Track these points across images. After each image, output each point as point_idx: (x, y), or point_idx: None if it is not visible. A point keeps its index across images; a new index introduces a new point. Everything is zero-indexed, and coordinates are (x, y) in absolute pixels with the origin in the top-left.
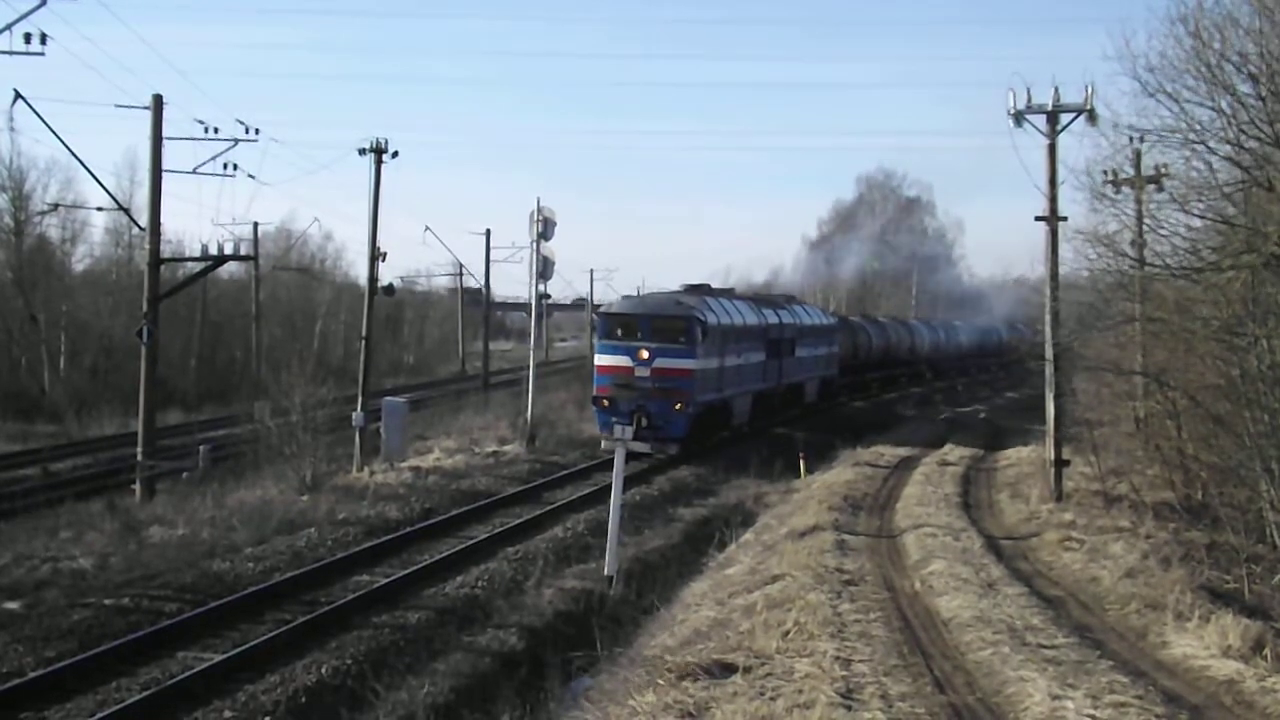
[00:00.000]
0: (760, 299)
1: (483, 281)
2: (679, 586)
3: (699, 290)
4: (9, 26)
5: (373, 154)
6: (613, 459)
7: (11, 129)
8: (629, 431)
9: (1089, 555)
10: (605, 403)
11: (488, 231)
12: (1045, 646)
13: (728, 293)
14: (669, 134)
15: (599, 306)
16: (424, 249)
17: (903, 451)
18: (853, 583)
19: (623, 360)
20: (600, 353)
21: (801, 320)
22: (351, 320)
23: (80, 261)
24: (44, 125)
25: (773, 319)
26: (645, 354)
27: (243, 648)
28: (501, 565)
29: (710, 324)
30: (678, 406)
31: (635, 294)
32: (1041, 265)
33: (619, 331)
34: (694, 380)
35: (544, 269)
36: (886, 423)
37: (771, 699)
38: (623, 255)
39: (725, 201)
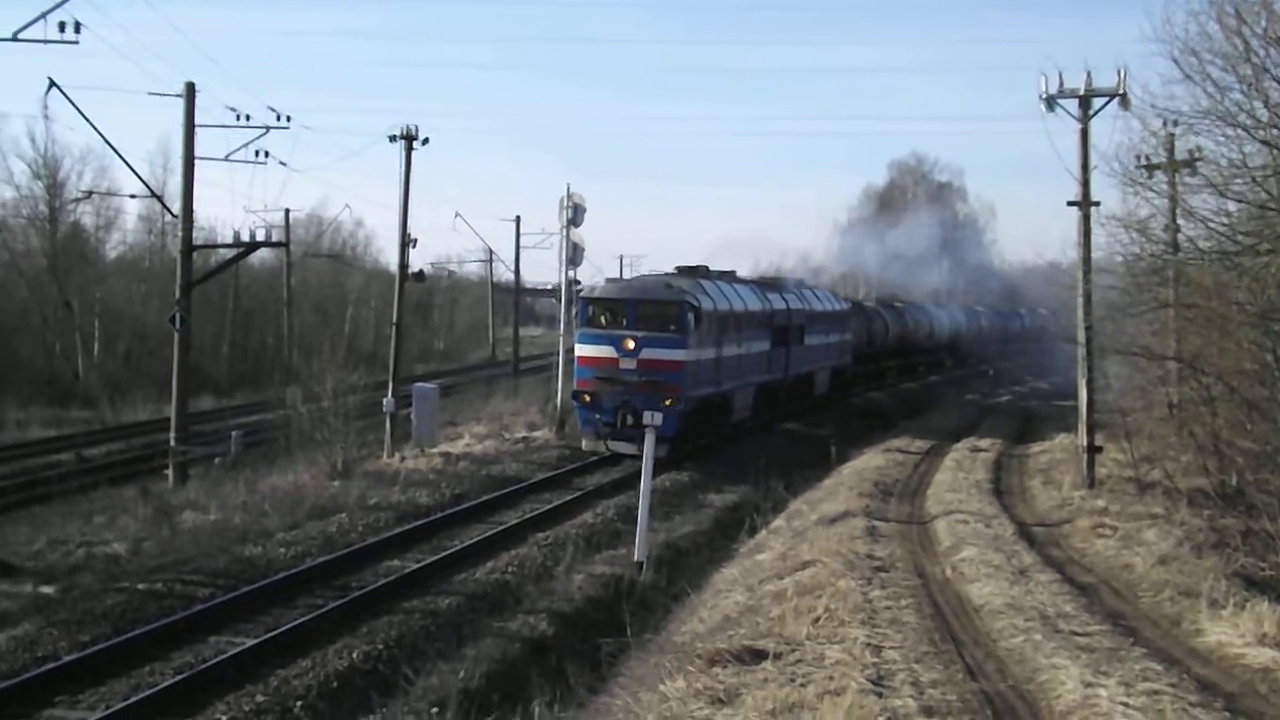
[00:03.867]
0: (765, 282)
1: (513, 268)
2: (709, 572)
3: (695, 272)
4: (44, 15)
5: (403, 141)
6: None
7: (46, 117)
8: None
9: (1122, 542)
10: (586, 398)
11: (517, 218)
12: (1078, 634)
13: (728, 275)
14: (699, 119)
15: (579, 289)
16: (454, 235)
17: (933, 438)
18: (883, 569)
19: (606, 350)
20: (581, 342)
21: (811, 305)
22: (382, 306)
23: (114, 248)
24: (78, 113)
25: (779, 304)
26: (631, 343)
27: (274, 632)
28: (532, 551)
29: (705, 309)
30: (667, 402)
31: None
32: (1074, 250)
33: (602, 318)
34: (685, 372)
35: (574, 255)
36: (905, 413)
37: (802, 685)
38: (652, 241)
39: (754, 186)
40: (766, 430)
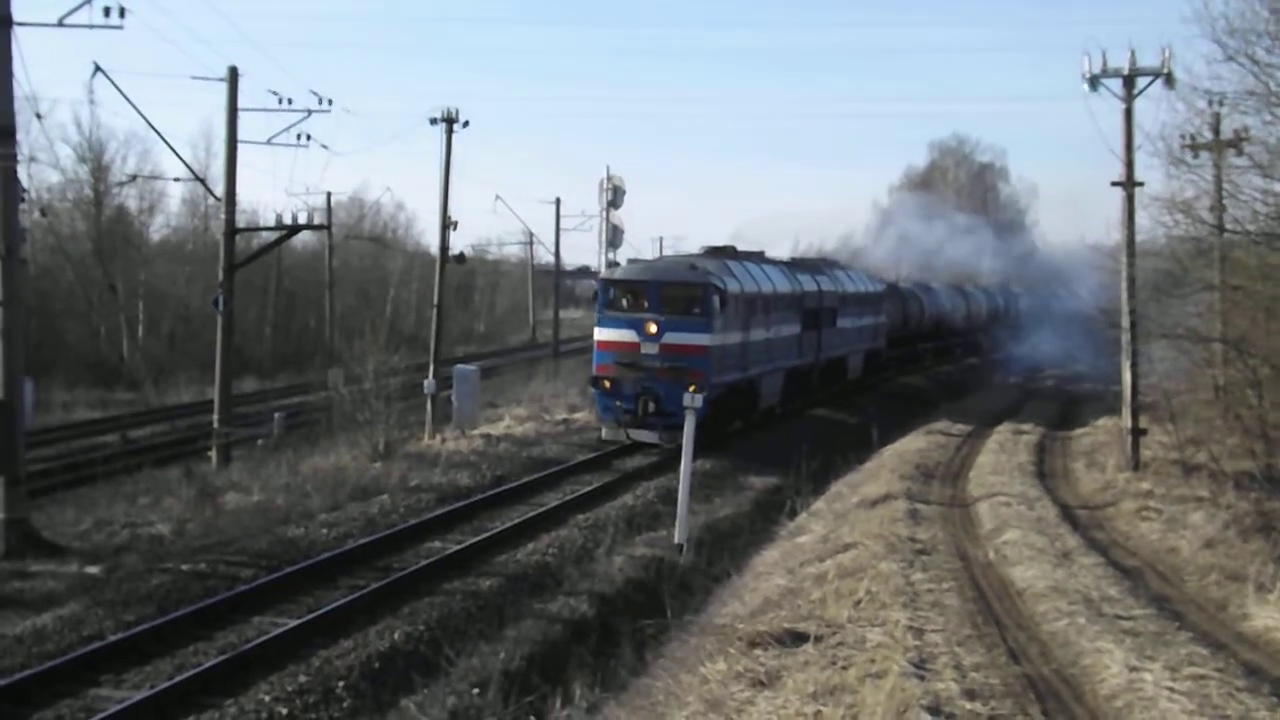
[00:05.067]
0: (795, 263)
1: (553, 250)
2: (750, 555)
3: (721, 253)
4: (89, 0)
5: (444, 123)
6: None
7: (91, 101)
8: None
9: (1167, 525)
10: (606, 384)
11: (557, 200)
12: (1122, 617)
13: (756, 256)
14: (741, 99)
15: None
16: (495, 217)
17: (974, 421)
18: (925, 552)
19: (627, 335)
20: (601, 325)
21: (844, 287)
22: (423, 289)
23: (158, 231)
24: (123, 97)
25: (809, 285)
26: (653, 327)
27: (317, 613)
28: (572, 532)
29: (731, 292)
30: (690, 389)
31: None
32: (1117, 232)
33: (624, 301)
34: (710, 358)
35: (614, 237)
36: (944, 397)
37: (843, 668)
38: (694, 223)
39: (796, 168)
40: (797, 416)
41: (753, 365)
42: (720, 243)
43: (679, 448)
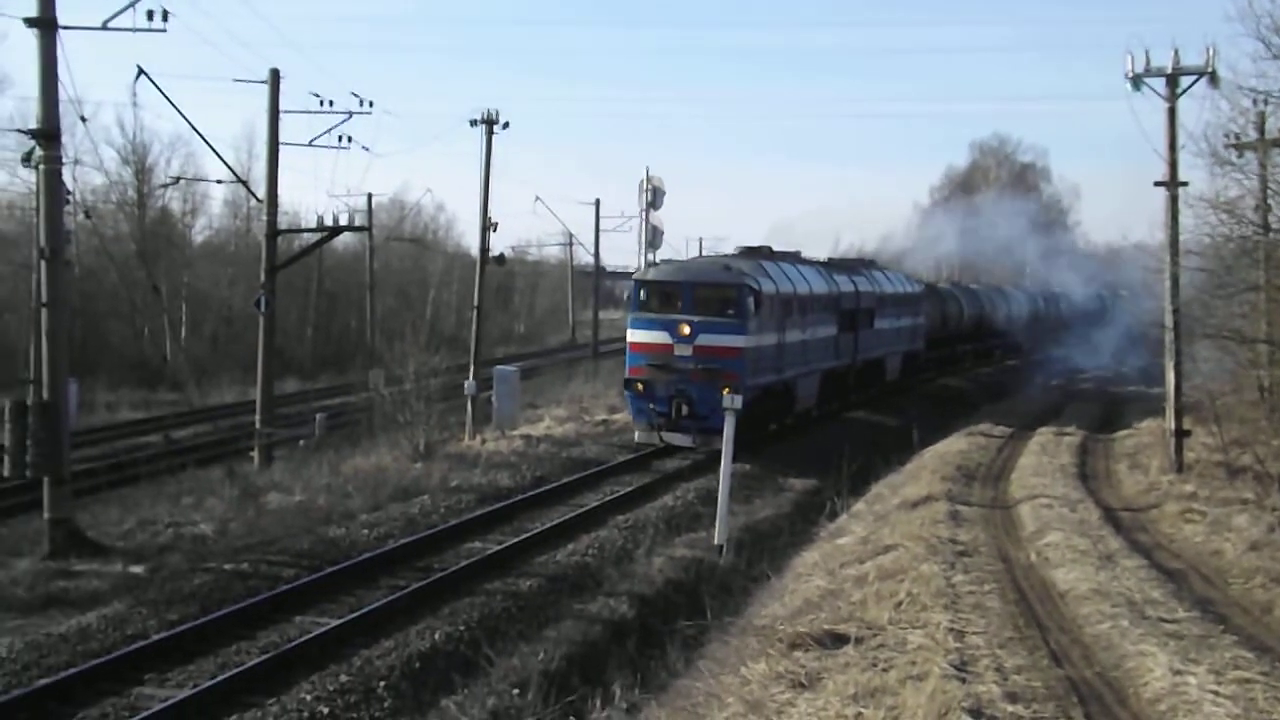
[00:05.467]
0: (832, 264)
1: (592, 251)
2: (789, 556)
3: (757, 253)
4: (133, 3)
5: (484, 125)
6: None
7: (135, 104)
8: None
9: (1211, 527)
10: (639, 386)
11: (597, 201)
12: (1166, 620)
13: (792, 256)
14: (779, 99)
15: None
16: (534, 219)
17: (1015, 423)
18: (966, 554)
19: (660, 336)
20: (634, 327)
21: (881, 287)
22: (463, 290)
23: (200, 233)
24: (166, 100)
25: (846, 286)
26: (687, 329)
27: (358, 613)
28: (612, 533)
29: (766, 292)
30: (725, 391)
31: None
32: (1160, 232)
33: (656, 302)
34: (744, 360)
35: (653, 238)
36: (985, 399)
37: (884, 670)
38: (733, 224)
39: (833, 169)
40: (834, 419)
41: (788, 367)
42: (760, 243)
43: (715, 451)
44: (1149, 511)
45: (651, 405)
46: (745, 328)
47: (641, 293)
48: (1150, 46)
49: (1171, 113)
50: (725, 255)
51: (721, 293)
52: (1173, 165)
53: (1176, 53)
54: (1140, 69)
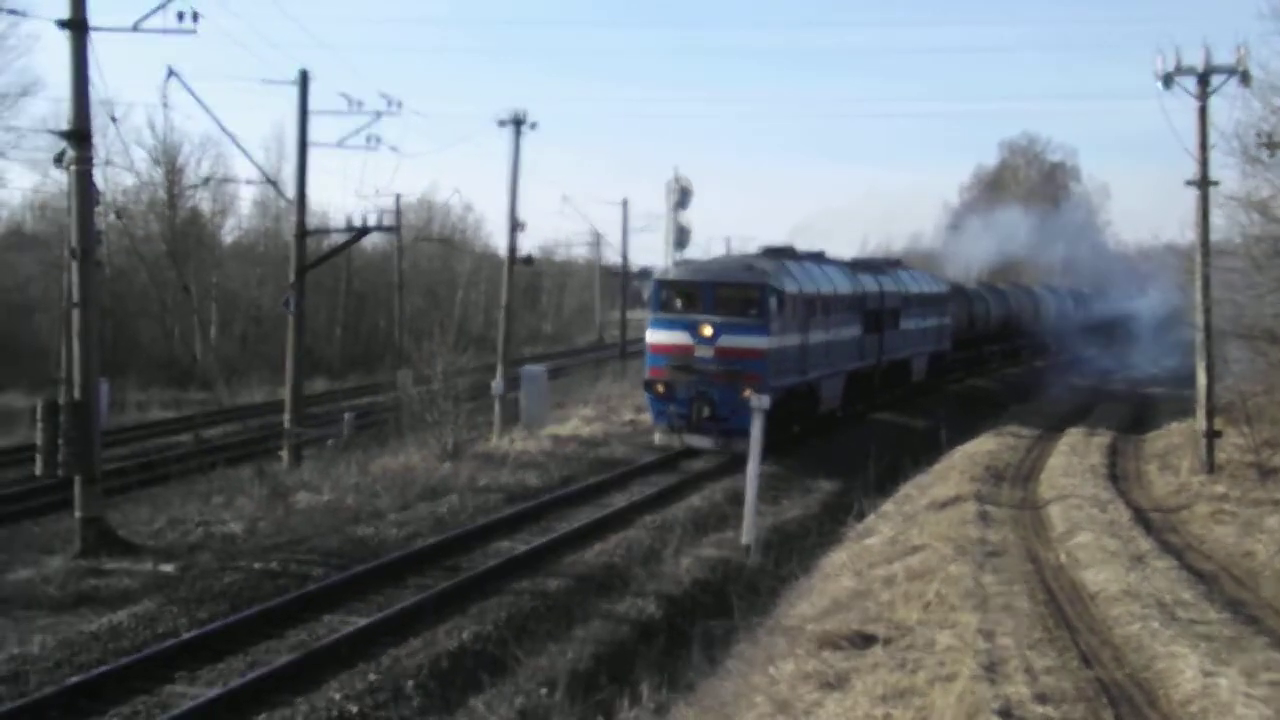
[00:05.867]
0: (857, 264)
1: (620, 251)
2: (817, 556)
3: (780, 253)
4: (163, 5)
5: (512, 125)
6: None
7: (165, 105)
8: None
9: (1243, 529)
10: (660, 388)
11: (624, 201)
12: (1197, 622)
13: (816, 256)
14: (805, 99)
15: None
16: (562, 219)
17: (1044, 424)
18: (995, 554)
19: (681, 337)
20: (654, 328)
21: (907, 288)
22: (491, 290)
23: (230, 233)
24: (196, 101)
25: (871, 286)
26: (708, 330)
27: (386, 612)
28: (639, 533)
29: (789, 292)
30: (746, 393)
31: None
32: (1191, 231)
33: (677, 302)
34: (767, 361)
35: (680, 238)
36: (1013, 399)
37: (912, 671)
38: (761, 224)
39: (860, 168)
40: (859, 420)
41: (812, 368)
42: (786, 243)
43: (737, 453)
44: (1180, 512)
45: (672, 407)
46: (768, 328)
47: (662, 293)
48: (1181, 45)
49: (1202, 112)
50: (748, 255)
51: (744, 293)
52: (1203, 165)
53: (1208, 51)
54: (1171, 68)
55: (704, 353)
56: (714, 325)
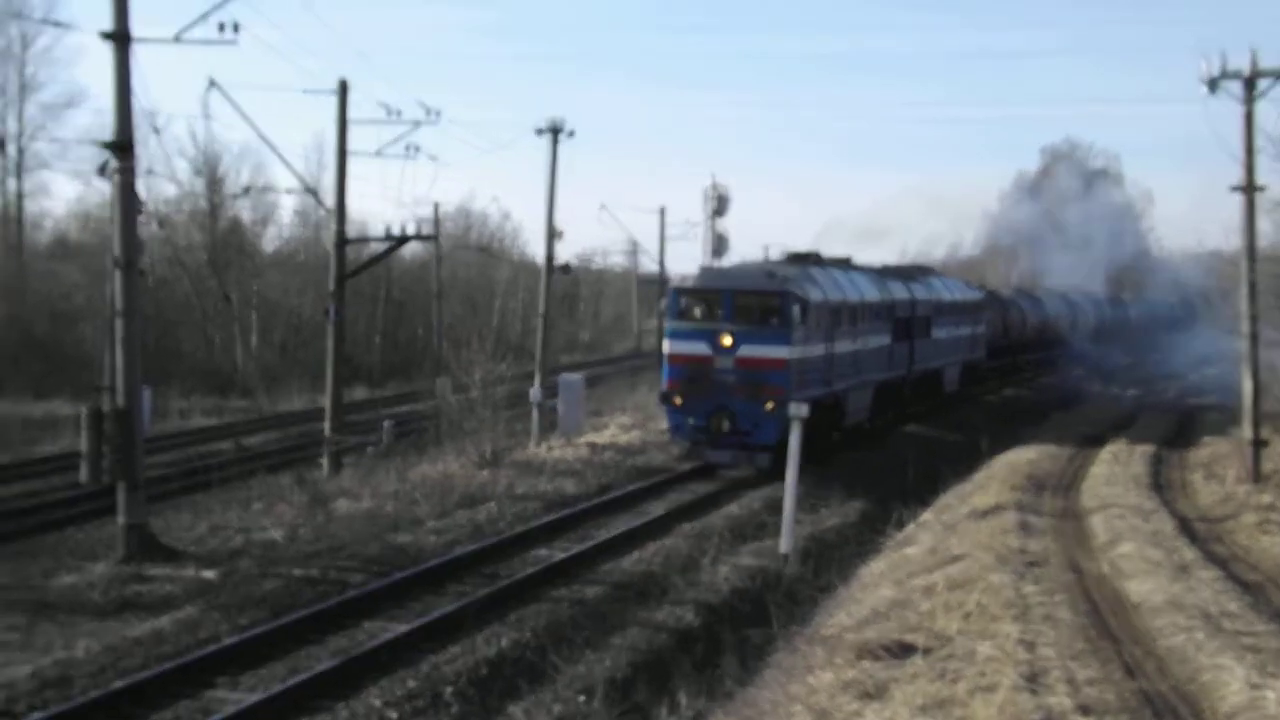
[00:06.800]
0: (886, 270)
1: (657, 259)
2: (856, 565)
3: (804, 260)
4: (204, 16)
5: (550, 134)
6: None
7: (206, 116)
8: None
9: None
10: (677, 400)
11: (662, 209)
12: (1243, 633)
13: (842, 263)
14: (846, 105)
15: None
16: (599, 227)
17: (1085, 433)
18: (1036, 564)
19: (700, 348)
20: (672, 338)
21: (939, 295)
22: (529, 298)
23: (270, 242)
24: (237, 111)
25: (901, 294)
26: (728, 340)
27: (426, 619)
28: (677, 541)
29: (813, 301)
30: (769, 406)
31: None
32: (1237, 237)
33: (696, 311)
34: (789, 372)
35: (718, 246)
36: (1052, 409)
37: (952, 681)
38: (802, 232)
39: (894, 174)
40: (887, 433)
41: (838, 380)
42: (839, 251)
43: (758, 468)
44: (1225, 522)
45: (690, 420)
46: (790, 337)
47: (680, 301)
48: (1226, 49)
49: (1248, 116)
50: (771, 262)
51: (765, 301)
52: (1249, 170)
53: (1254, 55)
54: (1216, 72)
55: (724, 363)
56: (734, 335)
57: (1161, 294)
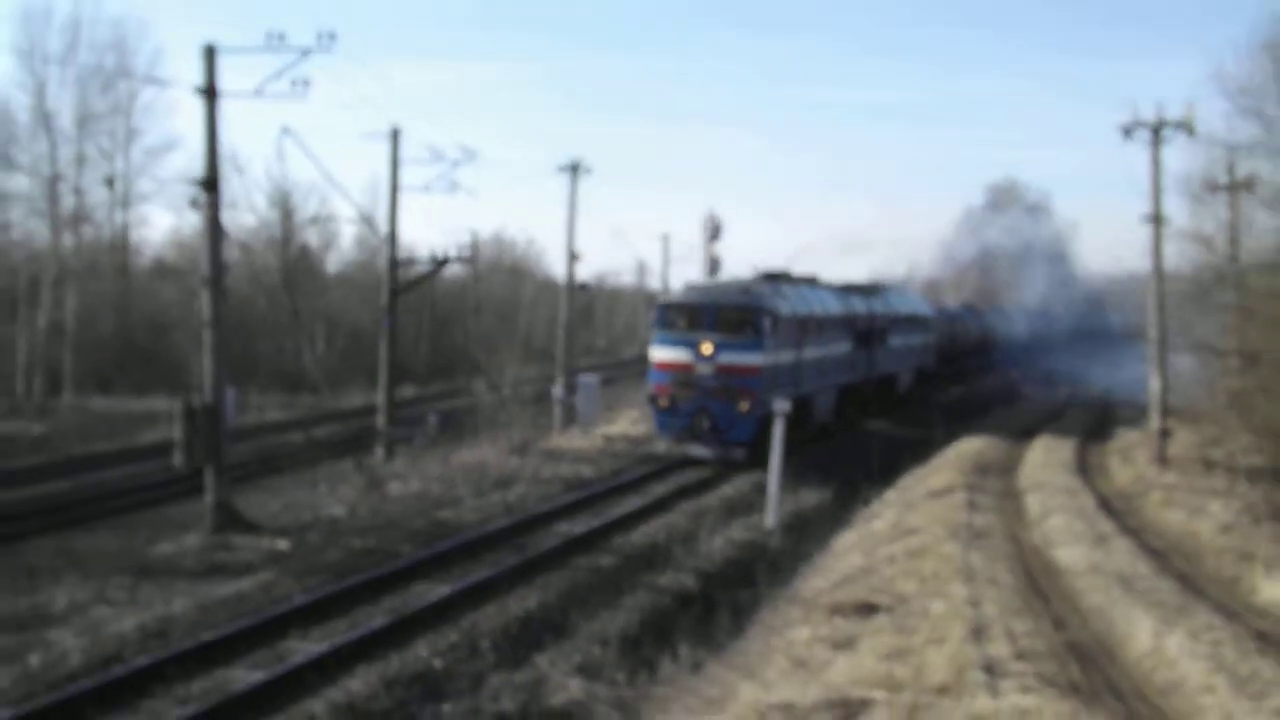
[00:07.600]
0: (848, 287)
1: (661, 278)
2: (830, 537)
3: (776, 278)
4: (280, 73)
5: (570, 171)
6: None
7: (280, 157)
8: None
9: (1189, 513)
10: (663, 403)
11: (665, 236)
12: (1150, 592)
13: (809, 280)
14: (844, 143)
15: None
16: (612, 250)
17: (1022, 425)
18: (981, 536)
19: (683, 355)
20: (658, 346)
21: (895, 309)
22: (550, 313)
23: (333, 265)
24: (306, 154)
25: (861, 308)
26: (708, 348)
27: (465, 583)
28: (678, 518)
29: (783, 314)
30: (744, 407)
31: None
32: (1148, 260)
33: (680, 323)
34: (762, 376)
35: (713, 267)
36: (994, 406)
37: (910, 634)
38: (786, 250)
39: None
40: (850, 430)
41: (806, 383)
42: (825, 265)
43: (733, 461)
44: (1137, 499)
45: (675, 420)
46: (763, 346)
47: (666, 314)
48: (1138, 101)
49: (1155, 160)
50: (745, 279)
51: (741, 315)
52: (1156, 203)
53: (1159, 108)
54: (1129, 121)
55: (704, 370)
56: (714, 343)
57: (1084, 308)
